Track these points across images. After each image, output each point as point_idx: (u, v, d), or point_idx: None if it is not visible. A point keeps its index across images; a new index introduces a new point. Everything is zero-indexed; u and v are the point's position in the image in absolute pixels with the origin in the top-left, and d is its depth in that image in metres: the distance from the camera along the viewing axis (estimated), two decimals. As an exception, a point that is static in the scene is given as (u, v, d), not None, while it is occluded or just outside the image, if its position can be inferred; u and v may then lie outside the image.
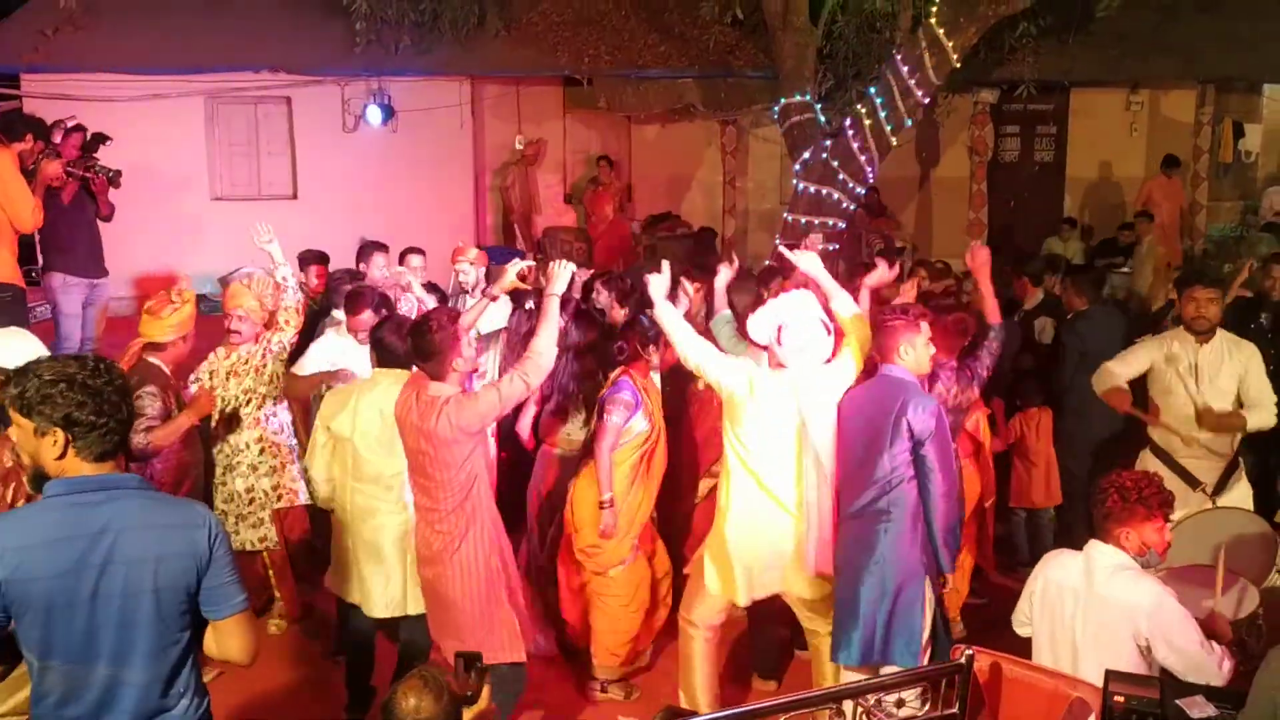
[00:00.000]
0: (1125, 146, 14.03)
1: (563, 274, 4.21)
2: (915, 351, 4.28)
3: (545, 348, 4.09)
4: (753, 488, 4.35)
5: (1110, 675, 2.93)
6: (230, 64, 11.81)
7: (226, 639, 2.71)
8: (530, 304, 5.82)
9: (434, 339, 3.99)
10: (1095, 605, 3.46)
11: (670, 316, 4.50)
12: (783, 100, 10.33)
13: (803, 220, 10.05)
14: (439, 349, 3.99)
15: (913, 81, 9.18)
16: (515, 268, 4.55)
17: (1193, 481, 5.15)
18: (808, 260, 4.59)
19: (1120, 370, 5.33)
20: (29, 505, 2.60)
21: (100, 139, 7.27)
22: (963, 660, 3.11)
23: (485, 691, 2.98)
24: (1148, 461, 5.33)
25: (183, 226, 11.65)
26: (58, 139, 6.89)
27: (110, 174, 7.00)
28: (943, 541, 4.19)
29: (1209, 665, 3.33)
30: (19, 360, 3.65)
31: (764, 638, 5.19)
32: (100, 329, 7.58)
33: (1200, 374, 5.12)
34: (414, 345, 4.10)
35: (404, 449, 4.19)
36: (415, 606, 4.50)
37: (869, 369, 4.50)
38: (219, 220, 12.00)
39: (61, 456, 2.54)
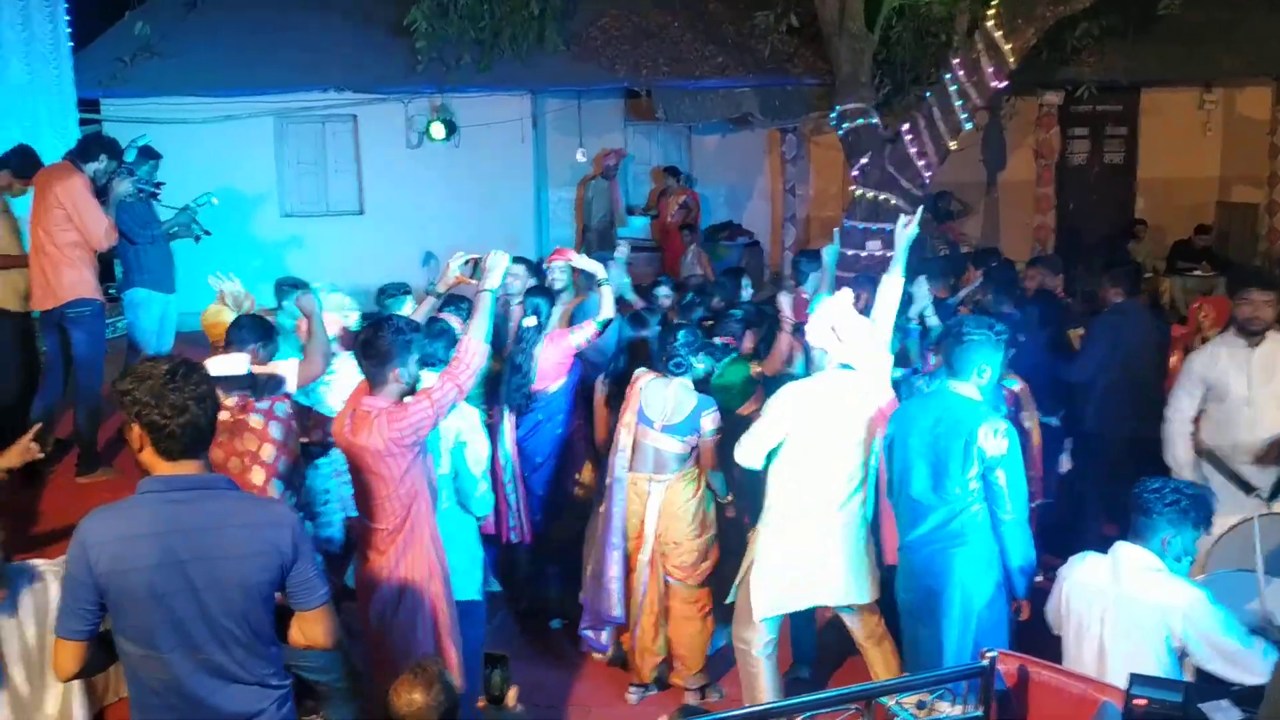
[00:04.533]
0: (1199, 146, 13.72)
1: (496, 268, 4.01)
2: (992, 372, 4.22)
3: (475, 347, 3.84)
4: (796, 504, 4.40)
5: (1133, 678, 2.89)
6: (298, 84, 12.14)
7: (312, 627, 2.86)
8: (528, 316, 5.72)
9: (381, 340, 3.77)
10: (1124, 607, 3.41)
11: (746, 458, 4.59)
12: (839, 107, 10.30)
13: (860, 226, 10.00)
14: (382, 353, 3.76)
15: (970, 85, 9.10)
16: (458, 262, 4.49)
17: (1246, 487, 5.02)
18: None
19: (1183, 418, 5.22)
20: (125, 499, 2.71)
21: (150, 154, 7.39)
22: (986, 663, 3.10)
23: (512, 692, 3.04)
24: (1201, 466, 5.22)
25: (253, 242, 11.97)
26: (131, 158, 7.08)
27: (153, 188, 7.17)
28: (1018, 568, 4.14)
29: (1254, 660, 3.24)
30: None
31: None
32: (171, 342, 7.82)
33: (1253, 377, 5.00)
34: (361, 344, 3.87)
35: (349, 469, 3.98)
36: None
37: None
38: (288, 236, 12.34)
39: (141, 450, 2.69)
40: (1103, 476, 5.96)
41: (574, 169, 13.15)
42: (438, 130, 12.44)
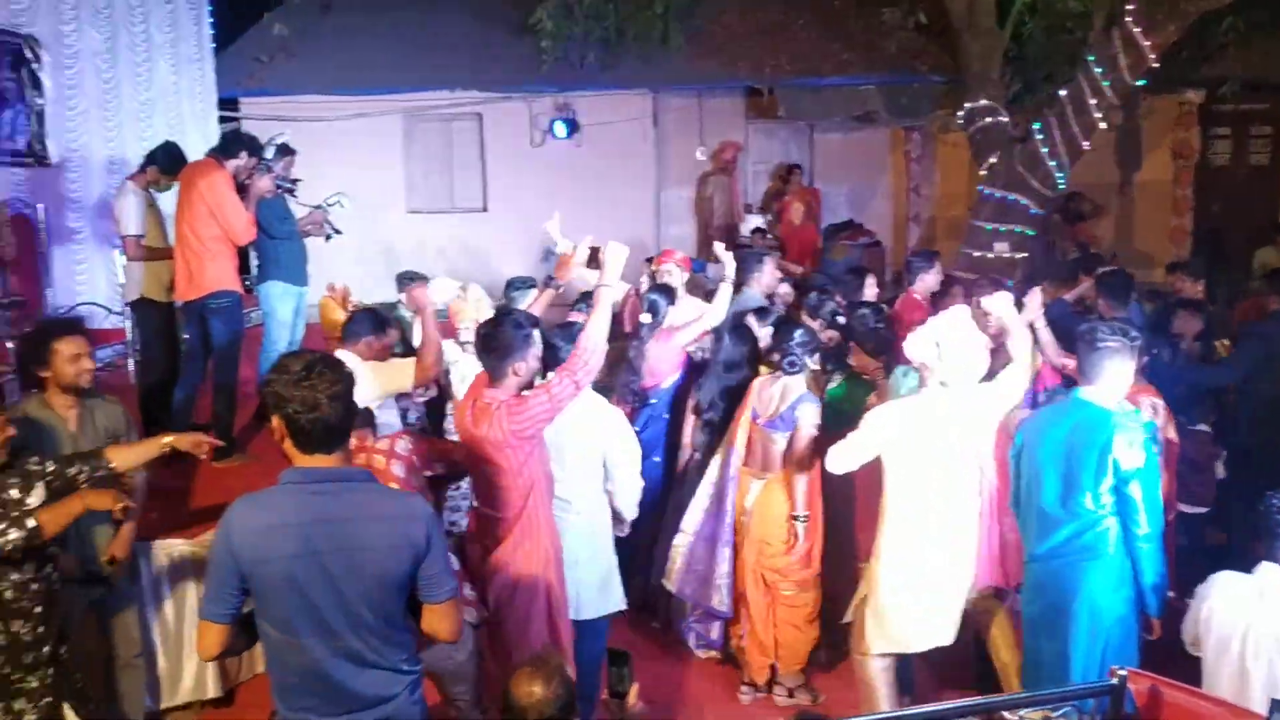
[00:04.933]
0: (1354, 147, 13.00)
1: (614, 262, 3.93)
2: (1127, 377, 4.07)
3: (594, 344, 3.81)
4: (914, 529, 4.27)
5: (1275, 703, 2.76)
6: (426, 84, 12.42)
7: (437, 621, 2.88)
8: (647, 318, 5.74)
9: (501, 335, 3.84)
10: (1267, 629, 3.26)
11: (838, 465, 4.35)
12: (967, 105, 10.09)
13: (988, 227, 9.78)
14: (503, 347, 3.82)
15: (1106, 83, 8.81)
16: (577, 253, 4.48)
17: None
18: (999, 305, 4.40)
19: None
20: (269, 489, 2.80)
21: (287, 151, 7.61)
22: (1115, 681, 2.99)
23: (634, 689, 3.05)
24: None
25: (380, 237, 12.28)
26: (270, 155, 7.29)
27: (290, 185, 7.39)
28: (1151, 585, 3.99)
29: None
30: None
31: None
32: (301, 333, 8.07)
33: None
34: (482, 338, 3.92)
35: (467, 458, 4.05)
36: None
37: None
38: (414, 232, 12.63)
39: (282, 441, 2.77)
40: (1256, 490, 5.70)
41: (693, 167, 13.15)
42: (560, 129, 12.62)
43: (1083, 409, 4.05)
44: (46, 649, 3.65)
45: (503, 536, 3.91)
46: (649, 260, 7.51)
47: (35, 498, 3.59)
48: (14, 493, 3.54)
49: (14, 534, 3.42)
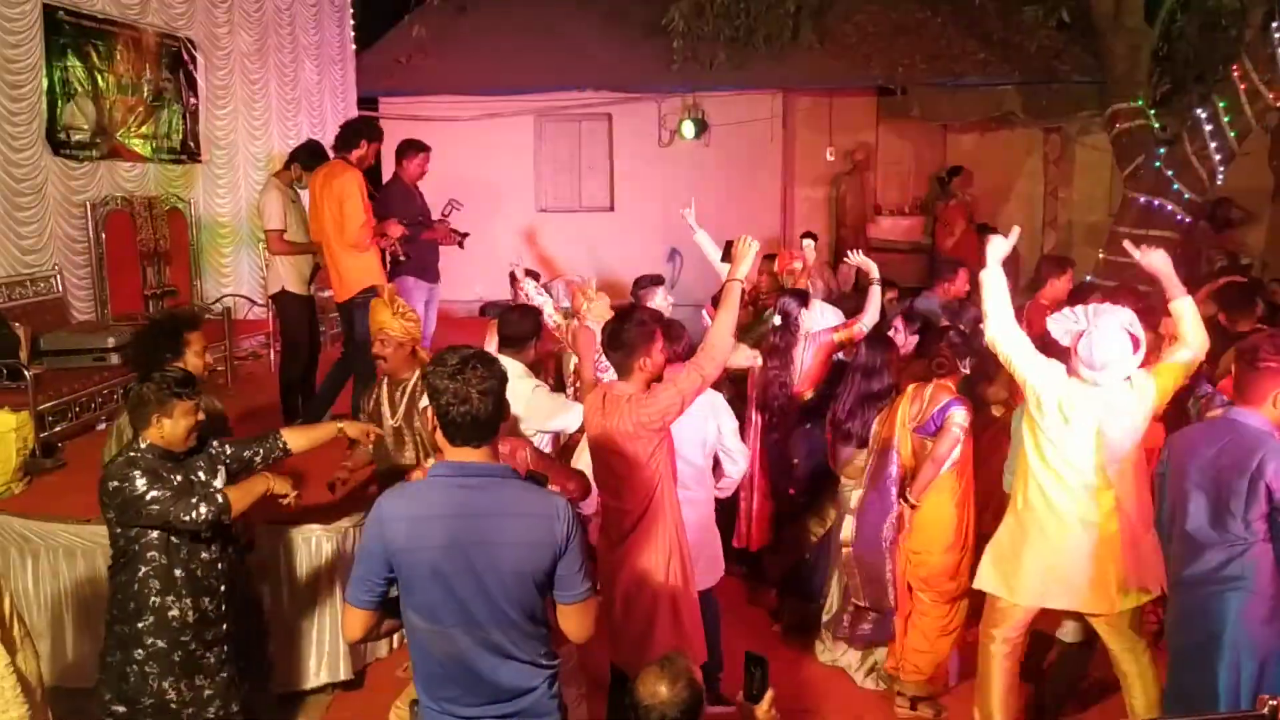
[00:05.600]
0: None
1: (745, 256, 3.90)
2: None
3: (720, 338, 3.83)
4: (1048, 497, 4.10)
5: None
6: (557, 84, 12.59)
7: (569, 620, 2.90)
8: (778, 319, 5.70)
9: (626, 332, 3.90)
10: None
11: (996, 288, 4.18)
12: (1112, 106, 9.75)
13: (1131, 233, 9.43)
14: (628, 343, 3.88)
15: (1263, 83, 8.40)
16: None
17: None
18: (1156, 259, 4.19)
19: None
20: (419, 482, 2.89)
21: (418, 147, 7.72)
22: (1265, 711, 2.84)
23: (769, 695, 3.01)
24: None
25: (509, 236, 12.50)
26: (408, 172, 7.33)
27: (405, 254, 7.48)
28: None
29: None
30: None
31: (1063, 672, 4.89)
32: (434, 327, 8.25)
33: None
34: (608, 335, 3.98)
35: (590, 449, 4.09)
36: None
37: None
38: (542, 230, 12.81)
39: (434, 431, 2.84)
40: None
41: (822, 167, 13.02)
42: (688, 128, 12.64)
43: (1235, 429, 3.83)
44: (225, 625, 3.83)
45: (629, 529, 3.95)
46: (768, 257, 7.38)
47: (219, 480, 3.85)
48: (201, 474, 3.80)
49: (204, 509, 3.61)
